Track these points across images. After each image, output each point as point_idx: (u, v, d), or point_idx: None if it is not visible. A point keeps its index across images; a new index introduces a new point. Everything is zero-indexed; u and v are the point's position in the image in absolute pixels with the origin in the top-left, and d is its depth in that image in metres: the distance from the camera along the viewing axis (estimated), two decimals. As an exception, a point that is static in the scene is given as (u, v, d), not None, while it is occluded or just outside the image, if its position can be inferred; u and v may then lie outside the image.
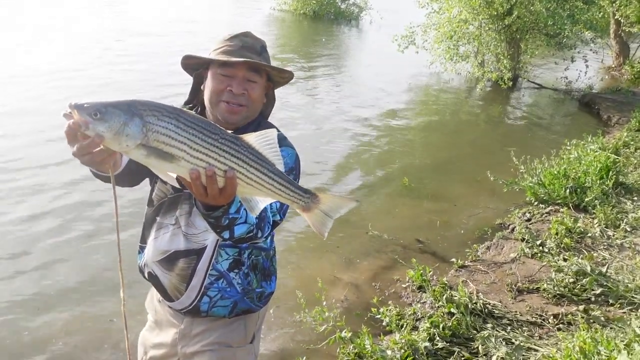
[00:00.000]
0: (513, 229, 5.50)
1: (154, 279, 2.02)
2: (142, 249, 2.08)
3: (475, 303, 3.96)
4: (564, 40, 12.68)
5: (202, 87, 1.95)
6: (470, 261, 4.84)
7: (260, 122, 1.99)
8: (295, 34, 19.89)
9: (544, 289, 4.26)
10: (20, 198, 5.27)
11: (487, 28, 12.55)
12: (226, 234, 1.64)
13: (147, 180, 2.01)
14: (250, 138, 1.45)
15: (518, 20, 11.89)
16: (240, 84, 1.86)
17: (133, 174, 1.83)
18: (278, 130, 1.95)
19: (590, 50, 14.23)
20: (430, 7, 13.53)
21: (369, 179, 6.95)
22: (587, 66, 13.13)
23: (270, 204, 1.71)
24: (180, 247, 1.93)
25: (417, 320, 3.85)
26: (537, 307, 4.05)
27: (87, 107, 1.28)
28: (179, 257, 1.94)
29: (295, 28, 21.02)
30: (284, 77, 1.99)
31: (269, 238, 2.03)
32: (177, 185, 1.48)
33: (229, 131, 1.44)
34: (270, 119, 2.08)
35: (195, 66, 1.97)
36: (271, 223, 1.80)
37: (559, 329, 3.76)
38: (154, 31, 14.42)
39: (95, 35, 13.34)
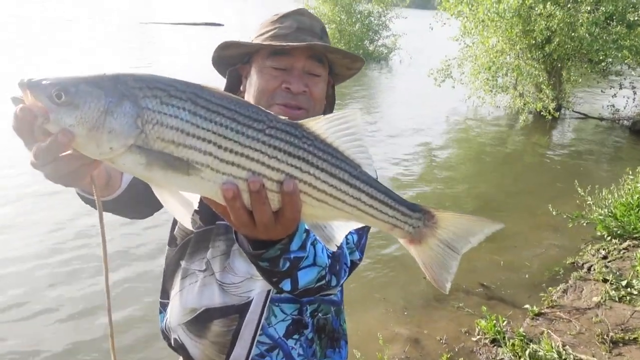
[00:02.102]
0: (590, 268, 4.84)
1: (181, 349, 1.47)
2: (163, 307, 1.54)
3: (565, 359, 3.32)
4: (609, 66, 12.06)
5: (241, 89, 1.46)
6: (547, 307, 4.20)
7: None
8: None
9: (645, 340, 3.59)
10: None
11: (526, 57, 12.04)
12: (287, 285, 1.11)
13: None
14: (319, 124, 0.90)
15: (559, 47, 11.36)
16: (300, 78, 1.36)
17: (143, 197, 1.27)
18: None
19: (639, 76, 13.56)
20: (462, 42, 13.15)
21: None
22: (634, 92, 12.45)
23: (346, 235, 1.06)
24: (215, 302, 1.39)
25: (497, 382, 3.24)
26: (641, 362, 3.39)
27: (47, 84, 0.79)
28: (213, 318, 1.39)
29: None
30: (354, 67, 1.49)
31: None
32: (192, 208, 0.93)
33: (283, 116, 0.90)
34: None
35: (231, 60, 1.48)
36: (349, 264, 1.27)
37: (675, 390, 3.09)
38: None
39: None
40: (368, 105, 13.85)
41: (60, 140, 0.78)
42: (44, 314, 3.90)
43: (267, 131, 0.85)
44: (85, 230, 5.01)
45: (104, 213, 1.02)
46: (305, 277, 1.11)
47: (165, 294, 1.54)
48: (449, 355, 3.54)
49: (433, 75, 12.89)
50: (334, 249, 0.98)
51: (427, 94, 13.23)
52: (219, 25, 30.14)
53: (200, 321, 1.41)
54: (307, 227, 1.05)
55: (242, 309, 1.37)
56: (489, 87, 12.29)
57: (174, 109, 0.81)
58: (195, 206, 0.90)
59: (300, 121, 0.89)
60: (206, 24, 30.11)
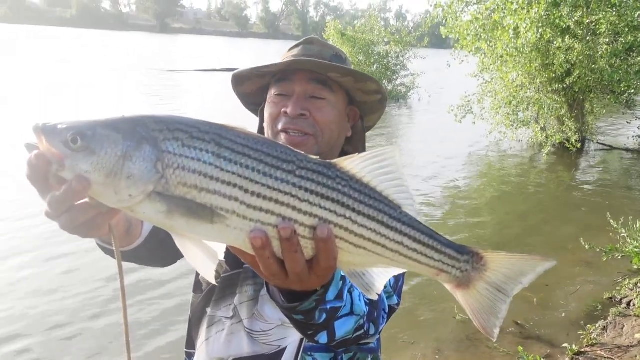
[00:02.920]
0: (629, 303, 4.65)
1: None
2: (189, 357, 1.46)
3: (611, 401, 3.14)
4: (633, 97, 11.92)
5: (265, 125, 1.43)
6: (587, 346, 4.02)
7: None
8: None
9: (695, 379, 3.39)
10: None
11: (547, 91, 11.98)
12: (323, 337, 1.03)
13: None
14: (354, 163, 0.83)
15: (580, 80, 11.29)
16: (298, 101, 1.32)
17: (165, 245, 1.22)
18: None
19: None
20: (481, 78, 13.18)
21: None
22: (660, 122, 12.27)
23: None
24: (243, 352, 1.30)
25: None
26: (693, 404, 3.18)
27: (62, 129, 0.74)
28: None
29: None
30: (367, 90, 1.40)
31: None
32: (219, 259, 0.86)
33: (314, 156, 0.83)
34: None
35: (255, 99, 1.48)
36: (387, 310, 1.19)
37: None
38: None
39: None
40: (388, 142, 13.86)
41: (75, 187, 0.72)
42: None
43: (298, 172, 0.79)
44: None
45: (123, 263, 0.96)
46: (343, 328, 1.05)
47: (190, 343, 1.46)
48: (486, 399, 3.37)
49: (453, 112, 12.88)
50: (375, 297, 0.90)
51: (448, 130, 13.21)
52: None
53: None
54: (343, 274, 0.99)
55: (273, 359, 1.29)
56: (510, 121, 12.22)
57: (196, 151, 0.76)
58: (221, 257, 0.84)
59: (333, 160, 0.83)
60: (227, 70, 30.83)
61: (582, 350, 3.94)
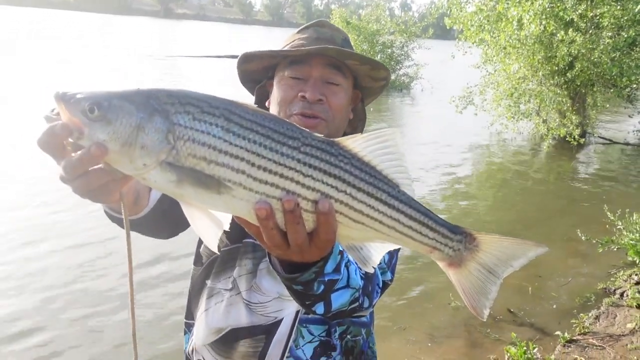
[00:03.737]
0: (622, 294, 4.71)
1: None
2: (188, 327, 1.52)
3: (600, 387, 3.21)
4: (634, 92, 11.91)
5: (267, 105, 1.46)
6: (579, 334, 4.08)
7: None
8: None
9: (683, 367, 3.45)
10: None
11: (549, 84, 11.98)
12: (320, 308, 1.08)
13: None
14: (356, 143, 0.87)
15: (582, 73, 11.28)
16: (316, 86, 1.33)
17: (169, 217, 1.26)
18: None
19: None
20: (484, 69, 13.17)
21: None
22: (661, 117, 12.27)
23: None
24: (241, 322, 1.35)
25: (529, 410, 3.14)
26: (680, 391, 3.25)
27: (82, 99, 0.77)
28: (239, 338, 1.36)
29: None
30: (378, 77, 1.44)
31: None
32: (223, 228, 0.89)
33: (319, 134, 0.87)
34: None
35: (257, 76, 1.49)
36: (381, 285, 1.24)
37: None
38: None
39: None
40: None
41: (93, 152, 0.76)
42: (69, 329, 3.98)
43: (302, 149, 0.83)
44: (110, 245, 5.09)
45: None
46: (339, 300, 1.09)
47: (190, 314, 1.52)
48: (478, 383, 3.45)
49: (454, 103, 12.88)
50: (371, 270, 0.94)
51: (449, 121, 13.23)
52: (236, 57, 30.75)
53: (226, 341, 1.38)
54: (341, 248, 1.03)
55: (269, 330, 1.34)
56: (511, 113, 12.23)
57: (206, 125, 0.79)
58: (226, 227, 0.87)
59: (337, 139, 0.87)
60: (231, 56, 30.79)
61: (574, 338, 4.01)
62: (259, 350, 1.34)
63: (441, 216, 0.96)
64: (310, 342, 1.35)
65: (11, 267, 4.82)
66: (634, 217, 5.64)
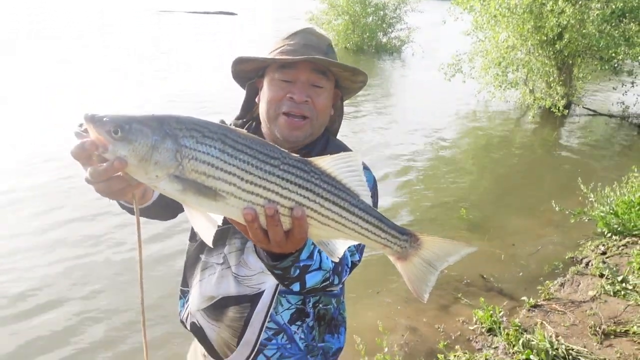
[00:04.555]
0: (588, 264, 4.98)
1: (198, 331, 1.66)
2: (183, 294, 1.74)
3: (557, 349, 3.49)
4: (620, 64, 12.04)
5: (256, 100, 1.63)
6: (544, 300, 4.36)
7: (328, 139, 1.65)
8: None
9: (635, 332, 3.74)
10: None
11: (537, 54, 12.07)
12: (296, 286, 1.30)
13: None
14: (325, 162, 1.09)
15: (570, 44, 11.37)
16: (303, 89, 1.51)
17: (168, 205, 1.48)
18: (350, 149, 1.61)
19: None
20: (475, 36, 13.19)
21: (423, 211, 6.52)
22: (645, 90, 12.44)
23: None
24: (230, 292, 1.58)
25: (490, 368, 3.42)
26: (629, 354, 3.54)
27: (107, 121, 0.97)
28: (228, 305, 1.58)
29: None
30: (357, 80, 1.62)
31: None
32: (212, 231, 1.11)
33: (295, 154, 1.09)
34: None
35: (248, 74, 1.65)
36: (349, 265, 1.44)
37: (660, 380, 3.25)
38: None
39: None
40: (379, 96, 13.97)
41: (115, 165, 0.96)
42: (76, 296, 4.21)
43: (282, 167, 1.03)
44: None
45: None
46: (312, 280, 1.30)
47: (185, 282, 1.73)
48: (446, 343, 3.71)
49: (443, 70, 12.95)
50: (336, 260, 1.17)
51: (438, 87, 13.29)
52: (232, 14, 30.38)
53: (217, 307, 1.60)
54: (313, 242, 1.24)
55: (254, 299, 1.56)
56: (498, 82, 12.34)
57: (206, 147, 0.99)
58: (219, 223, 1.09)
59: (310, 159, 1.08)
60: (220, 12, 30.34)
61: (539, 303, 4.28)
62: (245, 316, 1.57)
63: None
64: (287, 309, 1.58)
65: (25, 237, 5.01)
66: (606, 191, 5.91)
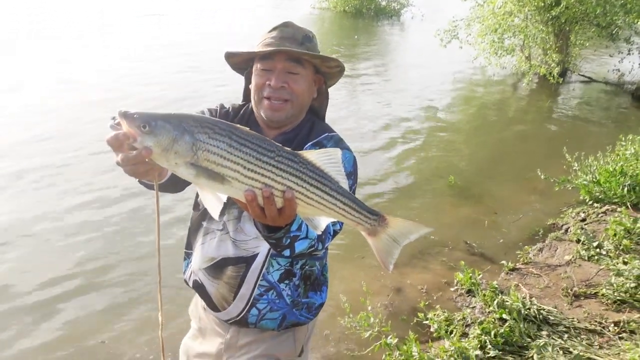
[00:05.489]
0: (567, 230, 5.24)
1: (199, 288, 1.92)
2: (187, 256, 1.99)
3: (529, 309, 3.75)
4: (616, 31, 12.07)
5: (250, 87, 1.85)
6: (522, 264, 4.63)
7: (314, 122, 1.87)
8: (336, 32, 19.76)
9: (603, 294, 4.01)
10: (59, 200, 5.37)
11: (534, 20, 12.09)
12: (287, 252, 1.54)
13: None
14: (311, 155, 1.33)
15: (567, 10, 11.39)
16: (279, 76, 1.74)
17: (178, 181, 1.70)
18: (334, 132, 1.86)
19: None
20: (474, 1, 13.16)
21: (413, 177, 6.74)
22: (641, 57, 12.52)
23: None
24: (229, 254, 1.83)
25: (466, 326, 3.70)
26: (596, 314, 3.82)
27: (137, 118, 1.18)
28: (227, 265, 1.83)
29: (336, 26, 20.89)
30: (330, 66, 1.83)
31: None
32: (216, 208, 1.35)
33: (287, 148, 1.33)
34: None
35: (242, 64, 1.89)
36: (332, 233, 1.69)
37: (620, 338, 3.53)
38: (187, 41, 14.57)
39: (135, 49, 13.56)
40: (377, 60, 14.04)
41: (143, 154, 1.18)
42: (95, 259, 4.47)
43: (276, 158, 1.27)
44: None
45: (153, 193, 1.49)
46: (300, 246, 1.55)
47: (189, 245, 1.99)
48: (427, 302, 3.98)
49: (439, 36, 12.97)
50: (319, 233, 1.44)
51: (436, 52, 13.30)
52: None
53: (217, 267, 1.85)
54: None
55: (249, 260, 1.81)
56: (494, 49, 12.40)
57: (216, 141, 1.22)
58: (224, 201, 1.34)
59: (298, 152, 1.33)
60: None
61: (517, 267, 4.55)
62: (241, 274, 1.82)
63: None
64: (277, 269, 1.83)
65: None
66: (589, 160, 6.12)
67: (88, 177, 5.83)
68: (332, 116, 8.24)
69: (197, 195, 1.93)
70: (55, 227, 4.87)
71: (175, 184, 1.74)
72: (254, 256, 1.80)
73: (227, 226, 1.82)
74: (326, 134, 1.84)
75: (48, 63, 10.61)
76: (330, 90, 1.95)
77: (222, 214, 1.82)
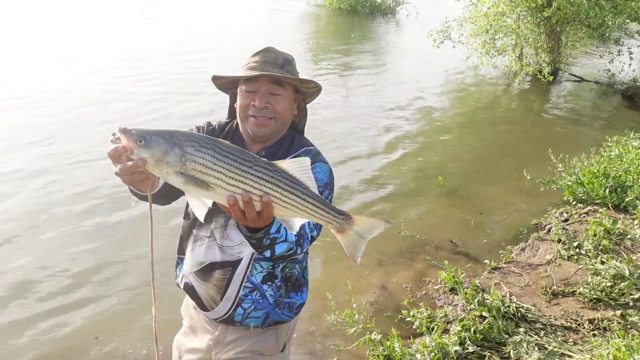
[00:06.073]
0: (549, 230, 5.40)
1: (190, 289, 2.08)
2: (180, 260, 2.16)
3: (508, 306, 3.92)
4: (607, 32, 12.25)
5: (235, 105, 2.00)
6: (504, 263, 4.79)
7: (294, 137, 2.03)
8: (330, 30, 19.87)
9: (580, 293, 4.18)
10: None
11: (526, 20, 12.25)
12: (267, 253, 1.71)
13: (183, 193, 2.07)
14: (284, 164, 1.50)
15: (558, 11, 11.56)
16: (263, 97, 1.90)
17: (168, 194, 1.90)
18: (312, 145, 2.02)
19: (638, 42, 13.72)
20: (469, 0, 13.33)
21: (402, 177, 6.90)
22: (631, 58, 12.69)
23: (308, 222, 1.76)
24: (216, 258, 1.99)
25: (448, 323, 3.86)
26: (572, 312, 3.98)
27: (134, 133, 1.36)
28: (215, 268, 1.99)
29: (331, 24, 20.99)
30: (309, 87, 2.00)
31: None
32: (201, 213, 1.52)
33: (263, 158, 1.49)
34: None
35: (227, 85, 2.05)
36: (309, 238, 1.85)
37: (594, 335, 3.70)
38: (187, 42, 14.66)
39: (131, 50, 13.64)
40: (370, 58, 14.16)
41: (139, 164, 1.36)
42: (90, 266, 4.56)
43: (254, 167, 1.45)
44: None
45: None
46: (280, 249, 1.71)
47: (181, 251, 2.16)
48: (411, 300, 4.15)
49: (432, 37, 13.13)
50: (295, 232, 1.62)
51: (430, 50, 13.45)
52: None
53: (205, 270, 2.02)
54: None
55: (234, 264, 1.98)
56: (486, 49, 12.56)
57: (202, 153, 1.40)
58: (210, 205, 1.52)
59: (273, 161, 1.50)
60: None
61: (499, 266, 4.72)
62: (227, 277, 1.99)
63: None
64: (260, 272, 1.99)
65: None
66: (574, 161, 6.30)
67: (82, 179, 5.96)
68: (321, 115, 8.44)
69: (187, 206, 2.09)
70: (51, 225, 5.01)
71: (165, 197, 1.91)
72: (239, 260, 1.97)
73: (215, 233, 1.99)
74: (305, 148, 2.00)
75: (48, 63, 10.68)
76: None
77: (209, 222, 1.99)
